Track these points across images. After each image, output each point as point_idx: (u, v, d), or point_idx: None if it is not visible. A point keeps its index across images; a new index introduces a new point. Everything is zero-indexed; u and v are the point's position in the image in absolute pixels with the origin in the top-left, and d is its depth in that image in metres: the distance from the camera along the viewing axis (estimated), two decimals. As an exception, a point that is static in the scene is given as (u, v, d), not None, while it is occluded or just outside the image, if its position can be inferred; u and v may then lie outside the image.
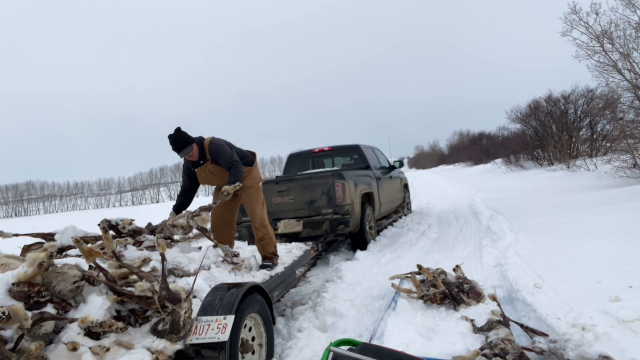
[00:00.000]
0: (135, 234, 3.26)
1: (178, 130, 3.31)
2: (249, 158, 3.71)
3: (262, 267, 3.40)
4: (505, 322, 2.61)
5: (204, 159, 3.44)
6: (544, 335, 2.39)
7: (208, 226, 3.63)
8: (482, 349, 2.32)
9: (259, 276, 3.16)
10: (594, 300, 2.72)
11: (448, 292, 3.24)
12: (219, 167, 3.42)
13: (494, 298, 3.09)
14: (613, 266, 3.35)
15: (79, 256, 2.55)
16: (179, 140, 3.27)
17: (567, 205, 6.82)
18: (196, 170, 3.50)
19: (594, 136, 17.29)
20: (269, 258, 3.52)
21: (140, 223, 3.40)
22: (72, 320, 1.96)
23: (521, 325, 2.60)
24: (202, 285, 2.50)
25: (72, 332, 1.92)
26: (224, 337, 2.04)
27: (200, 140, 3.42)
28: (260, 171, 3.87)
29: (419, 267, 3.74)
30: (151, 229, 3.27)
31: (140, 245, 3.15)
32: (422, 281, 3.67)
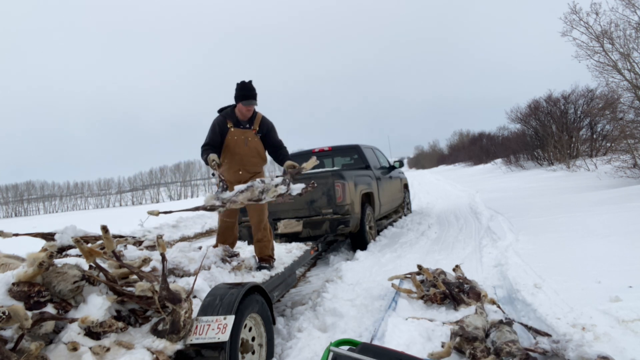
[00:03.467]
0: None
1: (251, 82, 3.41)
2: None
3: (259, 268, 3.40)
4: (508, 321, 2.61)
5: (250, 125, 3.52)
6: (548, 335, 2.39)
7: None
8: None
9: (259, 276, 3.16)
10: (594, 300, 2.72)
11: (448, 292, 3.24)
12: (258, 140, 3.52)
13: (493, 302, 3.09)
14: (613, 266, 3.34)
15: (79, 256, 2.55)
16: (254, 90, 3.39)
17: (567, 205, 6.82)
18: (233, 129, 3.47)
19: (594, 136, 17.30)
20: (266, 260, 3.51)
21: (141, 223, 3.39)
22: (72, 320, 1.96)
23: (525, 326, 2.60)
24: (202, 285, 2.50)
25: (72, 332, 1.92)
26: (224, 337, 2.04)
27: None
28: None
29: (419, 267, 3.74)
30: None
31: (140, 245, 3.15)
32: (422, 281, 3.67)
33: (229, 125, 3.48)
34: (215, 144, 3.48)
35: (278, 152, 3.66)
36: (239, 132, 3.47)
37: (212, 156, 3.26)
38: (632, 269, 3.19)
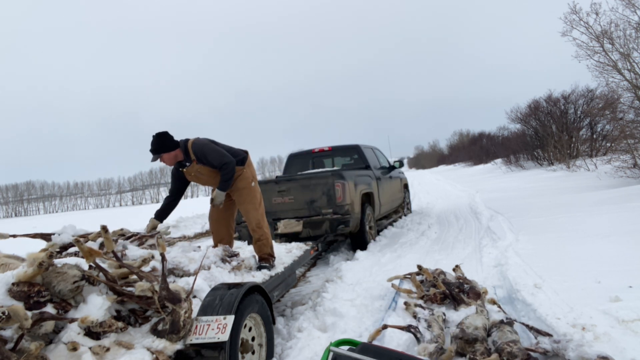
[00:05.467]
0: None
1: (159, 135, 3.32)
2: (239, 157, 3.61)
3: (259, 267, 3.40)
4: (509, 321, 2.61)
5: (189, 160, 3.44)
6: (549, 335, 2.39)
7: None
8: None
9: (259, 276, 3.16)
10: (594, 300, 2.72)
11: (448, 292, 3.23)
12: (206, 167, 3.42)
13: (493, 302, 3.09)
14: (613, 266, 3.34)
15: (77, 254, 2.55)
16: (154, 144, 3.30)
17: (567, 205, 6.83)
18: (184, 170, 3.51)
19: (594, 136, 17.31)
20: (265, 259, 3.50)
21: (141, 223, 3.40)
22: (72, 320, 1.96)
23: (526, 326, 2.60)
24: (202, 285, 2.50)
25: (72, 332, 1.92)
26: (224, 337, 2.04)
27: (184, 143, 3.43)
28: (254, 169, 3.78)
29: (419, 267, 3.74)
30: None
31: (143, 245, 3.14)
32: (422, 281, 3.67)
33: (180, 169, 3.52)
34: (172, 192, 3.62)
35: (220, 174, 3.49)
36: (189, 171, 3.49)
37: (150, 224, 3.50)
38: (632, 269, 3.20)
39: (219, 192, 3.40)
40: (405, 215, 8.79)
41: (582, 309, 2.58)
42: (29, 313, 1.82)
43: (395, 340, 2.64)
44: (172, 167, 3.58)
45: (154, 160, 3.38)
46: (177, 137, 3.45)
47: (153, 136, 3.33)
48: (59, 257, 2.57)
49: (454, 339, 2.45)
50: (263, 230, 3.52)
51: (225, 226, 3.69)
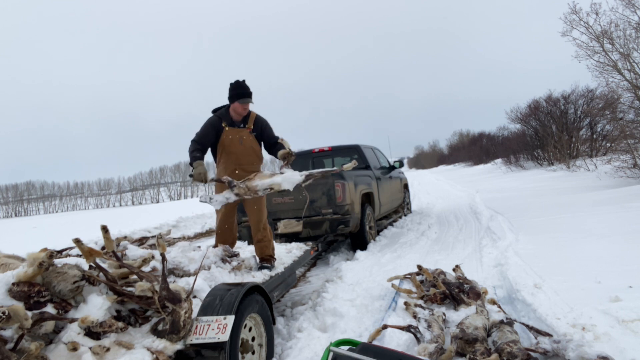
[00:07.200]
0: None
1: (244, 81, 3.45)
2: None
3: (260, 268, 3.40)
4: (509, 322, 2.61)
5: (245, 124, 3.52)
6: (549, 335, 2.39)
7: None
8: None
9: (259, 276, 3.16)
10: (594, 300, 2.72)
11: (448, 292, 3.23)
12: (253, 139, 3.52)
13: (493, 302, 3.09)
14: (613, 266, 3.34)
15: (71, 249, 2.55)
16: (249, 89, 3.41)
17: (567, 205, 6.82)
18: (228, 128, 3.45)
19: (594, 136, 17.31)
20: (267, 260, 3.50)
21: (141, 223, 3.40)
22: (72, 320, 1.96)
23: (527, 326, 2.60)
24: (202, 285, 2.51)
25: (72, 332, 1.92)
26: (224, 337, 2.04)
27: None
28: None
29: (419, 267, 3.74)
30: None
31: (143, 245, 3.15)
32: (422, 281, 3.67)
33: (223, 125, 3.47)
34: (205, 142, 3.44)
35: (274, 147, 3.64)
36: (233, 132, 3.46)
37: (202, 170, 3.23)
38: (632, 269, 3.20)
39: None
40: (405, 215, 8.79)
41: (582, 309, 2.58)
42: (29, 313, 1.82)
43: (395, 340, 2.64)
44: (212, 119, 3.49)
45: (248, 102, 3.41)
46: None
47: (242, 81, 3.41)
48: (59, 257, 2.57)
49: (454, 339, 2.45)
50: (266, 232, 3.52)
51: (231, 227, 3.67)
